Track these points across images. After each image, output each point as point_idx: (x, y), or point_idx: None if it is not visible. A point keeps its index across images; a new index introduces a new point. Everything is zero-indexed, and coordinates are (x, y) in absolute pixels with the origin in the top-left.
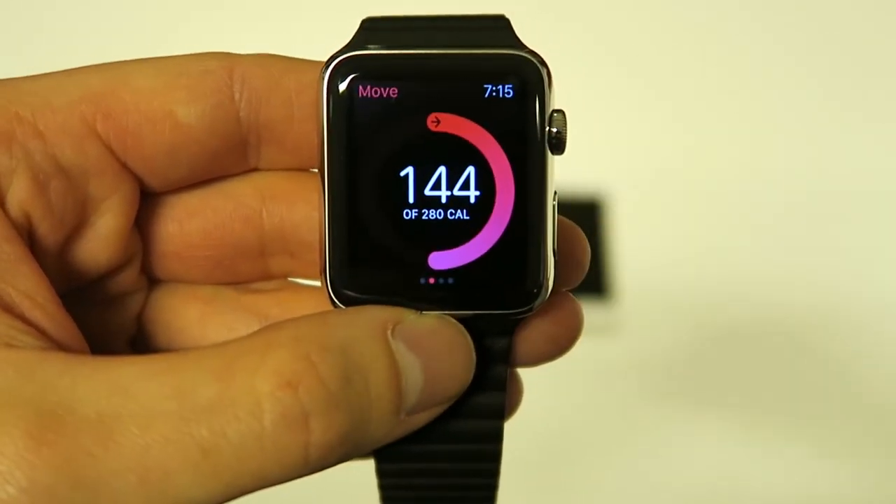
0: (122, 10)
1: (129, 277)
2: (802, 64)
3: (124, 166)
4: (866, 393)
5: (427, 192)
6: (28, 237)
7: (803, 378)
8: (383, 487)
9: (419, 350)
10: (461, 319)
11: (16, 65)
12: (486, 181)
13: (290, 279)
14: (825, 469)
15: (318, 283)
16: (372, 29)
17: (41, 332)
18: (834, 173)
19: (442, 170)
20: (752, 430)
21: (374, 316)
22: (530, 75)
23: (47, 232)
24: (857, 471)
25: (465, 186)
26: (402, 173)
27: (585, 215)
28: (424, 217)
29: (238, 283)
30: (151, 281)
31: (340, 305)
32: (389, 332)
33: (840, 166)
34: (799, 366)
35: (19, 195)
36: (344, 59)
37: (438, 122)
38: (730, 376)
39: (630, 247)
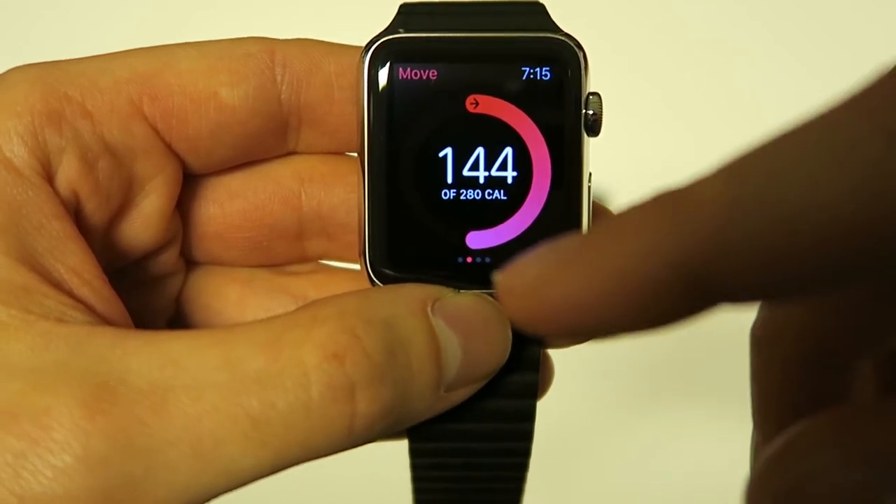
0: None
1: (169, 258)
2: (805, 63)
3: (169, 147)
4: None
5: (465, 172)
6: (76, 215)
7: None
8: (416, 467)
9: (458, 327)
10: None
11: (55, 50)
12: (523, 162)
13: (322, 262)
14: None
15: (351, 266)
16: (410, 13)
17: (89, 308)
18: None
19: (480, 151)
20: (750, 429)
21: (414, 293)
22: (567, 58)
23: (94, 210)
24: None
25: (503, 167)
26: (441, 154)
27: None
28: (462, 197)
29: (274, 265)
30: (189, 263)
31: (379, 284)
32: (429, 308)
33: None
34: None
35: (68, 173)
36: (384, 41)
37: (477, 103)
38: (728, 375)
39: None
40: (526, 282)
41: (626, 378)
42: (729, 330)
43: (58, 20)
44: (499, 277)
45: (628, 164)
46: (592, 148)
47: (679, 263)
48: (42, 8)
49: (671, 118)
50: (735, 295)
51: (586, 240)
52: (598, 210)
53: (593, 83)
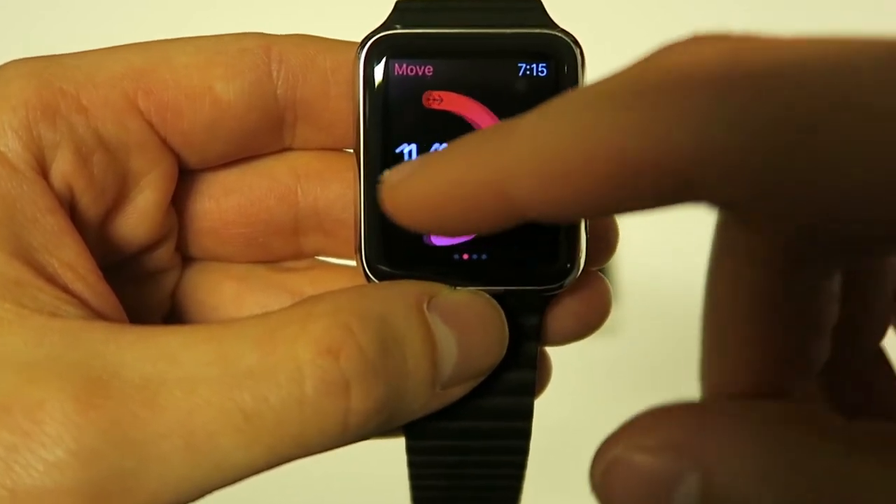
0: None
1: (164, 254)
2: None
3: (164, 142)
4: None
5: None
6: (70, 210)
7: None
8: (413, 464)
9: (453, 323)
10: (494, 295)
11: (51, 47)
12: None
13: (319, 258)
14: None
15: (347, 262)
16: (406, 10)
17: (83, 303)
18: None
19: None
20: None
21: (409, 289)
22: (564, 54)
23: (89, 205)
24: None
25: None
26: (437, 150)
27: None
28: None
29: (270, 261)
30: (185, 259)
31: (375, 281)
32: (425, 305)
33: None
34: None
35: (63, 168)
36: (380, 37)
37: None
38: None
39: (630, 246)
40: (396, 178)
41: (627, 378)
42: None
43: (56, 18)
44: (385, 175)
45: None
46: None
47: (493, 179)
48: (41, 7)
49: None
50: (537, 210)
51: (438, 153)
52: None
53: (591, 80)
